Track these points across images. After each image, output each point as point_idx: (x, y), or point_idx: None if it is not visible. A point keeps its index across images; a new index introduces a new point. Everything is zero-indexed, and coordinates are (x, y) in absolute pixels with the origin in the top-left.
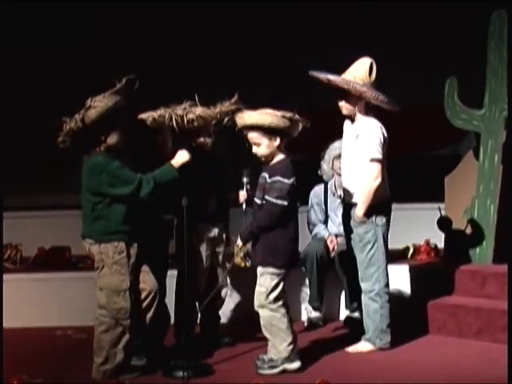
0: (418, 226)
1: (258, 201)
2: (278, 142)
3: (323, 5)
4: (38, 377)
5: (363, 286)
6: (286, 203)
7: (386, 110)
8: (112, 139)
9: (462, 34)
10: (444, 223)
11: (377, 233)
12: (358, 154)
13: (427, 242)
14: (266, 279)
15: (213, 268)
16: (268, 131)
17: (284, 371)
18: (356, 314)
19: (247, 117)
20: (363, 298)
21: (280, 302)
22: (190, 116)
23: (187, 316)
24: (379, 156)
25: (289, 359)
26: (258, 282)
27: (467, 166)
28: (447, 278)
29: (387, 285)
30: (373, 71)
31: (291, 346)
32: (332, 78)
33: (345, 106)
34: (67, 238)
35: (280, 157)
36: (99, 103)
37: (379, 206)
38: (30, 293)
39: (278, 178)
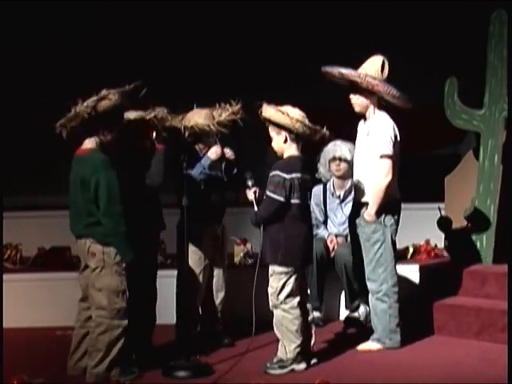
0: (418, 226)
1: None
2: (283, 138)
3: (324, 5)
4: (38, 377)
5: (370, 286)
6: (282, 199)
7: (391, 110)
8: (108, 136)
9: (462, 34)
10: (444, 223)
11: (385, 233)
12: (370, 151)
13: (427, 242)
14: (274, 279)
15: (212, 268)
16: (277, 127)
17: (292, 371)
18: (356, 314)
19: (264, 110)
20: (371, 298)
21: (293, 303)
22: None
23: (187, 316)
24: (389, 152)
25: (296, 360)
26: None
27: (467, 166)
28: (447, 278)
29: (395, 285)
30: (385, 69)
31: (298, 349)
32: (344, 71)
33: (357, 103)
34: (67, 238)
35: (290, 154)
36: (113, 96)
37: (389, 205)
38: (30, 293)
39: (276, 172)
